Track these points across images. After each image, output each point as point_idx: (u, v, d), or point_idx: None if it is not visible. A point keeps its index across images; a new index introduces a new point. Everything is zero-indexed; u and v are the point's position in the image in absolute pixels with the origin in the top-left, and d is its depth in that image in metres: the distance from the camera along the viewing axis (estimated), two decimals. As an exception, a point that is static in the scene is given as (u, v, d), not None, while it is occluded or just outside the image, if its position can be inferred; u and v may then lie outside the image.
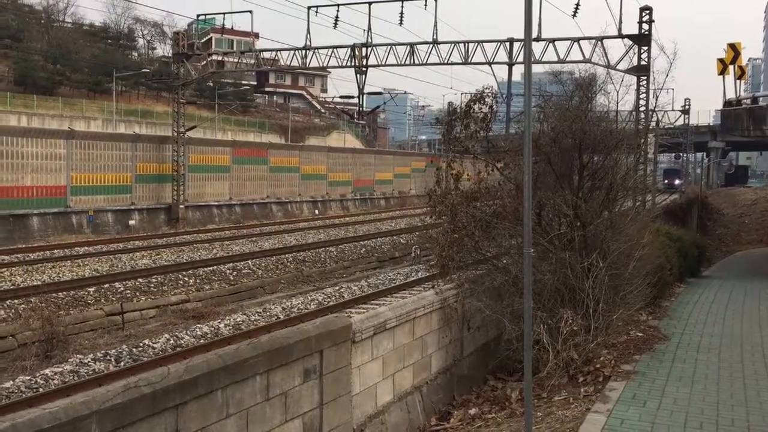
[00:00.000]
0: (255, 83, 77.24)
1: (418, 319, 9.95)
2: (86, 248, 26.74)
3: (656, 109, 31.85)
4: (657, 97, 30.96)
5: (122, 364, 13.00)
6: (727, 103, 31.12)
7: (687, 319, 14.59)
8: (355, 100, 78.70)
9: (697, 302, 17.10)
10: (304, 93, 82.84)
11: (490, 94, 12.80)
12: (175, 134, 37.00)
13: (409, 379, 9.81)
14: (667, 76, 32.16)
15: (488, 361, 12.03)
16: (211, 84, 61.87)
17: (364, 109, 40.68)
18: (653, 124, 34.53)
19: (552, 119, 11.81)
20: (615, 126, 12.71)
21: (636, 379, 10.02)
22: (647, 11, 30.52)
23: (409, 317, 9.65)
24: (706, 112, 76.36)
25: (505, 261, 11.71)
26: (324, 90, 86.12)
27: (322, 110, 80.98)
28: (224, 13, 37.03)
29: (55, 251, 25.68)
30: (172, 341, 14.83)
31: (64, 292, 17.95)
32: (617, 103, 13.99)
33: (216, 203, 40.64)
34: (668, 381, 10.04)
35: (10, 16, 59.73)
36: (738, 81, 33.91)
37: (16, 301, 16.74)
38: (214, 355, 6.10)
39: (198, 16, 42.66)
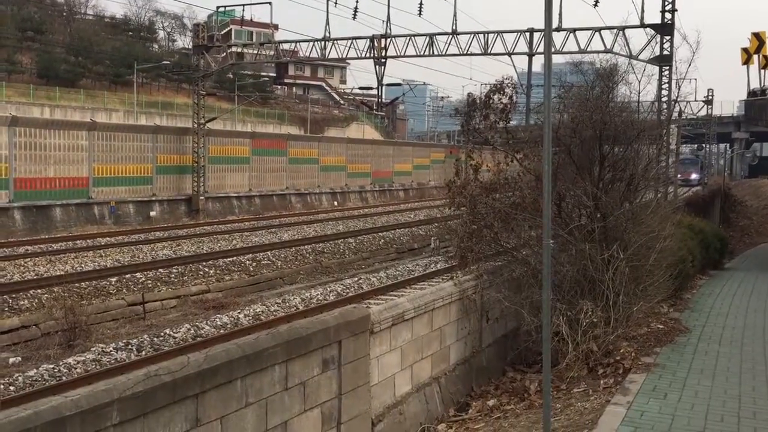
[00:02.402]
0: (274, 75, 77.39)
1: (436, 311, 9.95)
2: (108, 239, 27.03)
3: (679, 100, 31.45)
4: (680, 87, 30.59)
5: (143, 353, 13.15)
6: (752, 93, 30.64)
7: (709, 312, 14.43)
8: (374, 92, 78.64)
9: (719, 294, 16.90)
10: (324, 84, 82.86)
11: (509, 85, 12.71)
12: (195, 126, 37.22)
13: (427, 370, 9.82)
14: (690, 65, 31.77)
15: (507, 353, 12.00)
16: (231, 76, 62.10)
17: (384, 100, 40.63)
18: (675, 114, 34.15)
19: (572, 109, 11.70)
20: (636, 116, 12.57)
21: (656, 372, 9.93)
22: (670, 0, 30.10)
23: (428, 308, 9.65)
24: (729, 103, 75.13)
25: (524, 252, 11.66)
26: (343, 81, 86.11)
27: (341, 101, 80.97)
28: (243, 5, 37.14)
29: (78, 242, 25.99)
30: (192, 331, 14.98)
31: (87, 282, 18.17)
32: (639, 93, 13.83)
33: (236, 194, 40.85)
34: (689, 374, 9.94)
35: (32, 9, 60.32)
36: (762, 71, 33.35)
37: (39, 290, 16.97)
38: (234, 344, 6.14)
39: (218, 7, 42.74)
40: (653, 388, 9.23)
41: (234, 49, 42.85)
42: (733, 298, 16.30)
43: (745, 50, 31.38)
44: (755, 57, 31.35)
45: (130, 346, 13.64)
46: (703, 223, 21.43)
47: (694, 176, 59.93)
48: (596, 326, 10.12)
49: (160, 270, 20.51)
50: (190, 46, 61.17)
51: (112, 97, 52.30)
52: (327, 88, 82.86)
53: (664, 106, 29.04)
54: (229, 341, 12.61)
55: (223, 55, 44.81)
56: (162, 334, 14.60)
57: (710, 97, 57.99)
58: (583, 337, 10.03)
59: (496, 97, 12.66)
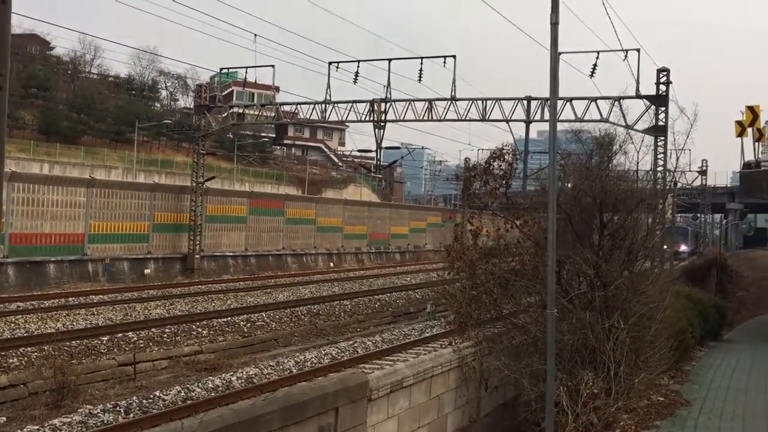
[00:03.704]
0: (274, 135, 78.28)
1: (435, 378, 9.76)
2: (101, 296, 26.71)
3: (675, 170, 31.76)
4: (678, 158, 30.94)
5: (131, 415, 12.80)
6: (746, 165, 31.00)
7: (709, 385, 14.22)
8: (372, 154, 79.42)
9: (719, 367, 16.70)
10: (322, 146, 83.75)
11: (509, 152, 12.83)
12: (194, 184, 37.35)
13: (424, 440, 9.57)
14: (688, 137, 32.21)
15: (505, 423, 11.73)
16: (231, 135, 62.78)
17: (382, 163, 41.01)
18: (671, 184, 34.45)
19: (572, 177, 11.78)
20: (636, 185, 12.64)
21: (658, 446, 9.71)
22: (665, 72, 30.75)
23: (427, 375, 9.47)
24: (723, 174, 75.97)
25: (523, 319, 11.53)
26: (342, 143, 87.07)
27: (340, 163, 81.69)
28: (246, 67, 37.68)
29: (70, 299, 25.66)
30: (183, 393, 14.59)
31: (78, 341, 17.84)
32: (637, 163, 13.96)
33: (231, 254, 40.68)
34: (692, 449, 9.72)
35: (38, 66, 61.36)
36: (756, 143, 33.81)
37: (29, 348, 16.64)
38: (229, 410, 5.97)
39: (221, 69, 43.50)
40: (656, 463, 9.00)
41: (235, 109, 43.40)
42: (733, 372, 16.10)
43: (739, 123, 31.90)
44: (749, 130, 31.88)
45: (118, 408, 13.25)
46: (701, 293, 21.36)
47: (683, 248, 54.92)
48: (597, 397, 9.93)
49: (153, 329, 20.18)
50: (191, 106, 62.13)
51: (112, 155, 52.68)
52: (326, 149, 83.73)
53: (660, 176, 29.32)
54: (220, 405, 12.34)
55: (224, 115, 45.39)
56: (152, 395, 14.19)
57: (705, 168, 58.69)
58: (583, 408, 9.83)
59: (495, 163, 12.76)
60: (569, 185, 11.82)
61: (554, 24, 7.72)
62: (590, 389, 9.88)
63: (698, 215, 68.30)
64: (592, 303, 10.83)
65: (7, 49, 4.18)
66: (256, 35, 33.86)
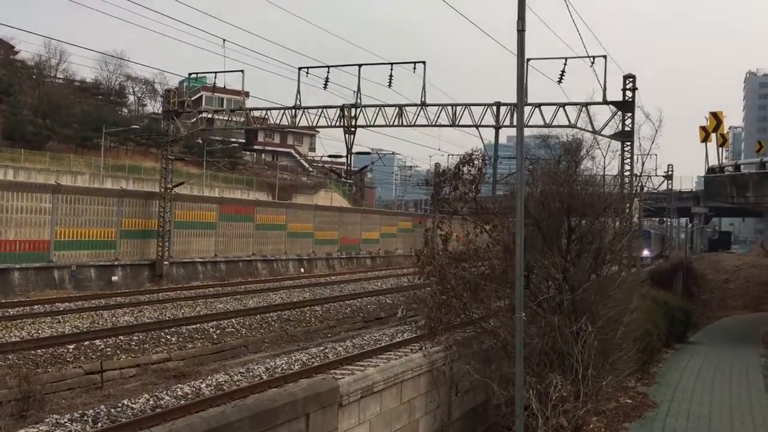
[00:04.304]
0: (244, 141, 77.80)
1: (405, 382, 9.78)
2: (67, 304, 26.28)
3: (642, 174, 32.26)
4: (643, 163, 31.42)
5: (99, 425, 12.61)
6: (710, 170, 31.65)
7: (676, 386, 14.45)
8: (343, 159, 79.35)
9: (685, 369, 16.99)
10: (293, 151, 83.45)
11: (478, 157, 12.94)
12: (163, 190, 36.95)
13: (396, 445, 9.59)
14: (653, 142, 32.76)
15: (476, 427, 11.80)
16: (200, 141, 62.27)
17: (353, 168, 41.01)
18: (637, 189, 35.00)
19: (540, 183, 11.92)
20: (602, 190, 12.84)
21: (626, 448, 9.84)
22: (631, 79, 31.28)
23: (397, 380, 9.48)
24: (688, 178, 77.45)
25: (493, 323, 11.62)
26: (312, 149, 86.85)
27: (310, 169, 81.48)
28: (216, 72, 37.44)
29: (36, 307, 25.22)
30: (152, 402, 14.43)
31: (43, 350, 17.54)
32: (604, 168, 14.17)
33: (201, 260, 40.31)
34: (659, 450, 9.87)
35: (1, 71, 60.24)
36: (720, 148, 34.55)
37: (-7, 357, 16.30)
38: (198, 417, 5.92)
39: (189, 74, 43.13)
40: (624, 464, 9.12)
41: (204, 114, 43.05)
42: (699, 373, 16.39)
43: (703, 128, 32.60)
44: (713, 135, 32.58)
45: (86, 418, 13.06)
46: (667, 296, 21.72)
47: (646, 253, 51.95)
48: (566, 400, 10.04)
49: (121, 337, 19.93)
50: (160, 111, 61.41)
51: (78, 160, 51.87)
52: (296, 155, 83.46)
53: (627, 180, 29.76)
54: (189, 413, 12.21)
55: (193, 120, 45.00)
56: (120, 404, 14.02)
57: (670, 172, 59.73)
58: (553, 411, 9.93)
59: (465, 168, 12.85)
60: (538, 190, 11.96)
61: (521, 31, 7.83)
62: (559, 392, 9.98)
63: (665, 219, 69.42)
64: (561, 306, 10.96)
65: None
66: (225, 41, 33.72)
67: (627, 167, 30.02)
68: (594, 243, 11.66)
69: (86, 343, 18.74)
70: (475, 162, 12.80)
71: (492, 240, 12.43)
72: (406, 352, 14.46)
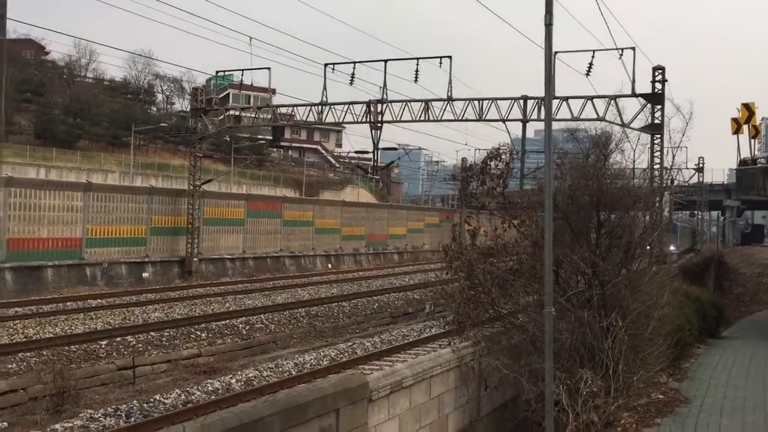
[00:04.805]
0: (271, 138, 78.18)
1: (434, 378, 9.78)
2: (99, 301, 26.70)
3: (672, 167, 31.79)
4: (674, 155, 30.93)
5: (132, 419, 12.80)
6: (743, 162, 31.10)
7: (709, 382, 14.25)
8: (370, 155, 79.20)
9: (717, 364, 16.73)
10: (319, 148, 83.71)
11: (506, 151, 12.85)
12: (191, 187, 37.33)
13: (425, 441, 9.59)
14: (684, 134, 32.24)
15: (505, 423, 11.75)
16: (228, 138, 62.74)
17: (379, 164, 40.98)
18: (667, 182, 34.52)
19: (569, 177, 11.81)
20: (632, 183, 12.67)
21: (659, 444, 9.73)
22: (660, 71, 30.81)
23: (426, 375, 9.48)
24: (719, 170, 75.97)
25: (522, 318, 11.55)
26: (339, 145, 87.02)
27: (337, 165, 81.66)
28: (242, 70, 37.64)
29: (68, 303, 25.66)
30: (183, 397, 14.62)
31: (76, 345, 17.85)
32: (633, 161, 13.99)
33: (230, 256, 40.66)
34: (692, 446, 9.75)
35: (32, 71, 61.25)
36: (752, 140, 33.93)
37: (28, 353, 16.64)
38: (230, 413, 5.98)
39: (217, 72, 43.45)
40: (656, 461, 9.03)
41: (231, 112, 43.33)
42: (731, 368, 16.13)
43: (735, 120, 32.01)
44: (745, 127, 31.97)
45: (119, 412, 13.29)
46: (699, 290, 21.40)
47: (672, 248, 52.55)
48: (596, 396, 9.95)
49: (152, 333, 20.19)
50: (187, 109, 62.01)
51: (108, 159, 52.61)
52: (322, 151, 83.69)
53: (657, 173, 29.37)
54: (221, 408, 12.33)
55: (220, 117, 45.35)
56: (152, 399, 14.24)
57: (701, 165, 58.79)
58: (583, 407, 9.85)
59: (492, 163, 12.78)
60: (566, 184, 11.84)
61: (548, 25, 7.77)
62: (590, 388, 9.90)
63: (695, 213, 68.30)
64: (590, 301, 10.85)
65: (3, 55, 4.19)
66: (251, 38, 33.91)
67: (657, 160, 29.66)
68: (624, 237, 11.52)
69: (118, 339, 19.03)
70: (503, 156, 12.74)
71: (520, 235, 12.35)
72: (434, 348, 14.47)
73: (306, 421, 6.84)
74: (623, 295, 11.03)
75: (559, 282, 11.67)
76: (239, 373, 16.73)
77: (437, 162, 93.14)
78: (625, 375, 10.41)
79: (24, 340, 18.27)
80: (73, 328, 20.50)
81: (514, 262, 12.10)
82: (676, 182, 44.24)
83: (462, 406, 10.77)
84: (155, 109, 72.05)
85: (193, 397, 14.55)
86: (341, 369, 16.72)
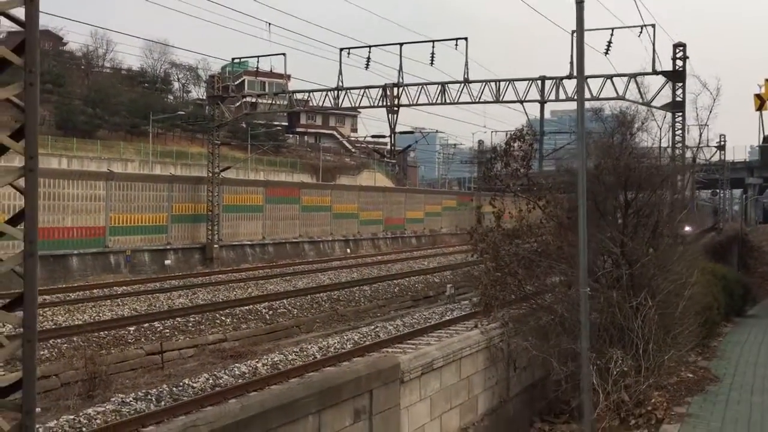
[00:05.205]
0: (286, 124, 78.27)
1: (464, 359, 9.82)
2: (124, 288, 27.01)
3: (700, 145, 31.43)
4: (701, 133, 30.48)
5: (163, 403, 12.98)
6: (766, 139, 30.68)
7: (738, 360, 14.19)
8: (385, 139, 79.09)
9: (746, 342, 16.64)
10: (335, 133, 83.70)
11: (530, 132, 12.78)
12: (210, 175, 37.52)
13: (456, 421, 9.65)
14: (711, 111, 31.82)
15: (534, 403, 11.78)
16: (244, 125, 62.90)
17: (396, 148, 40.92)
18: (690, 160, 34.17)
19: (594, 156, 11.73)
20: (658, 162, 12.57)
21: (690, 422, 9.73)
22: (681, 48, 30.47)
23: (456, 357, 9.53)
24: (741, 148, 74.86)
25: (549, 299, 11.54)
26: (354, 129, 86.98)
27: (353, 150, 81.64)
28: (258, 57, 37.65)
29: (95, 291, 25.98)
30: (211, 381, 14.79)
31: (105, 332, 18.09)
32: (660, 139, 13.85)
33: (249, 242, 40.91)
34: (723, 424, 9.73)
35: (51, 62, 61.66)
36: (775, 116, 33.44)
37: (59, 340, 16.89)
38: (269, 394, 6.05)
39: (233, 59, 43.48)
40: (689, 439, 9.02)
41: (248, 99, 43.41)
42: (760, 347, 16.03)
43: (758, 96, 31.54)
44: (768, 103, 31.53)
45: (149, 396, 13.48)
46: (725, 269, 21.24)
47: (687, 228, 53.04)
48: (627, 375, 9.95)
49: (178, 319, 20.42)
50: (204, 97, 62.10)
51: (128, 147, 52.99)
52: (338, 136, 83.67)
53: (679, 151, 29.11)
54: (248, 391, 12.47)
55: (237, 104, 45.45)
56: (181, 384, 14.41)
57: (723, 143, 58.03)
58: (614, 386, 9.85)
59: (516, 144, 12.72)
60: (592, 164, 11.76)
61: (579, 2, 7.69)
62: (620, 368, 9.89)
63: (717, 191, 67.53)
64: (619, 281, 10.81)
65: (36, 47, 4.22)
66: (270, 24, 33.87)
67: (678, 138, 29.40)
68: (651, 217, 11.44)
69: (145, 325, 19.25)
70: (526, 137, 12.66)
71: (545, 216, 12.30)
72: (457, 330, 14.51)
73: (341, 402, 6.91)
74: (652, 274, 10.97)
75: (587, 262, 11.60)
76: (264, 357, 16.88)
77: (454, 145, 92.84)
78: (655, 354, 10.39)
79: (54, 327, 18.54)
80: (101, 314, 20.77)
81: (539, 244, 12.06)
82: (698, 161, 43.75)
83: (491, 387, 10.81)
84: (172, 97, 72.33)
85: (221, 381, 14.71)
86: (365, 352, 16.84)
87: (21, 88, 4.23)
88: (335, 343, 18.32)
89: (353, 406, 7.15)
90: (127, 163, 49.25)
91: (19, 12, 4.04)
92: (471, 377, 10.13)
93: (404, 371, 8.07)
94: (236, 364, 16.19)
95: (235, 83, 64.82)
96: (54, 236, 29.99)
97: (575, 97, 32.34)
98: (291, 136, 79.00)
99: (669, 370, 11.20)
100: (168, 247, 35.46)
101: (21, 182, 4.16)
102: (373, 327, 20.44)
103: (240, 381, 14.60)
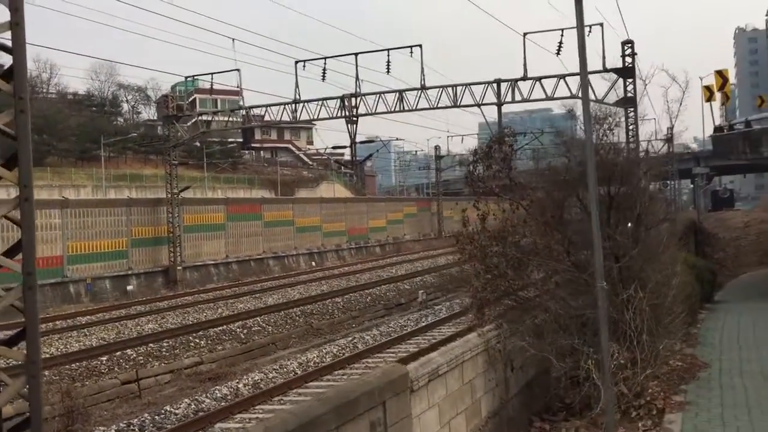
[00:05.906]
0: (241, 140, 77.47)
1: (466, 363, 9.71)
2: (88, 317, 26.17)
3: (650, 139, 32.20)
4: (672, 125, 31.08)
5: (149, 433, 12.54)
6: (718, 129, 31.55)
7: (720, 345, 14.42)
8: (343, 150, 78.90)
9: (723, 328, 16.95)
10: (291, 146, 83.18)
11: (509, 133, 12.82)
12: (169, 196, 36.78)
13: (463, 426, 9.51)
14: (681, 104, 32.55)
15: (531, 402, 11.74)
16: (199, 144, 61.97)
17: (357, 158, 40.80)
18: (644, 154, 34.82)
19: (578, 154, 11.79)
20: (639, 156, 12.71)
21: (690, 410, 9.78)
22: (629, 44, 31.10)
23: (458, 361, 9.42)
24: (686, 139, 77.13)
25: (542, 298, 11.53)
26: (310, 142, 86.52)
27: (310, 162, 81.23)
28: (212, 74, 37.09)
29: (58, 322, 25.11)
30: (193, 406, 14.39)
31: (77, 363, 17.47)
32: (628, 135, 13.97)
33: (213, 262, 40.21)
34: (724, 409, 9.81)
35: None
36: (722, 107, 34.44)
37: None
38: (289, 413, 5.82)
39: (187, 77, 42.81)
40: (694, 427, 9.05)
41: (204, 117, 42.73)
42: (738, 330, 16.35)
43: (707, 88, 32.42)
44: (717, 94, 32.41)
45: (132, 427, 13.03)
46: (694, 257, 21.68)
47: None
48: (624, 368, 9.97)
49: (150, 345, 19.85)
50: (155, 117, 61.15)
51: (79, 173, 51.61)
52: (294, 150, 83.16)
53: (633, 146, 29.63)
54: (232, 414, 12.10)
55: (189, 123, 44.68)
56: (162, 411, 13.98)
57: (670, 135, 59.47)
58: (612, 379, 9.84)
59: (495, 146, 12.73)
60: (574, 162, 11.82)
61: (578, 1, 7.72)
62: (617, 360, 9.91)
63: (667, 182, 69.20)
64: (609, 275, 10.85)
65: (24, 72, 4.03)
66: (234, 40, 33.41)
67: (632, 133, 29.90)
68: (635, 209, 11.56)
69: (117, 353, 18.67)
70: (506, 139, 12.70)
71: (529, 216, 12.32)
72: (434, 336, 14.39)
73: (357, 415, 6.71)
74: (640, 266, 11.06)
75: (572, 259, 11.65)
76: (245, 377, 16.52)
77: (409, 152, 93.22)
78: (649, 345, 10.45)
79: (22, 362, 17.79)
80: (68, 347, 20.06)
81: (526, 243, 12.07)
82: (650, 153, 44.73)
83: (492, 389, 10.72)
84: (122, 119, 70.87)
85: (203, 405, 14.31)
86: (346, 364, 16.64)
87: (11, 116, 4.02)
88: (314, 357, 18.06)
89: (368, 419, 6.96)
90: (79, 189, 47.92)
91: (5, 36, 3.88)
92: (473, 381, 10.03)
93: (413, 379, 7.91)
94: (216, 387, 15.79)
95: (188, 101, 64.01)
96: (8, 269, 28.90)
97: (530, 98, 32.85)
98: (247, 152, 78.20)
99: (664, 359, 11.29)
100: (129, 272, 34.59)
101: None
102: (350, 338, 20.23)
103: (223, 404, 14.22)
